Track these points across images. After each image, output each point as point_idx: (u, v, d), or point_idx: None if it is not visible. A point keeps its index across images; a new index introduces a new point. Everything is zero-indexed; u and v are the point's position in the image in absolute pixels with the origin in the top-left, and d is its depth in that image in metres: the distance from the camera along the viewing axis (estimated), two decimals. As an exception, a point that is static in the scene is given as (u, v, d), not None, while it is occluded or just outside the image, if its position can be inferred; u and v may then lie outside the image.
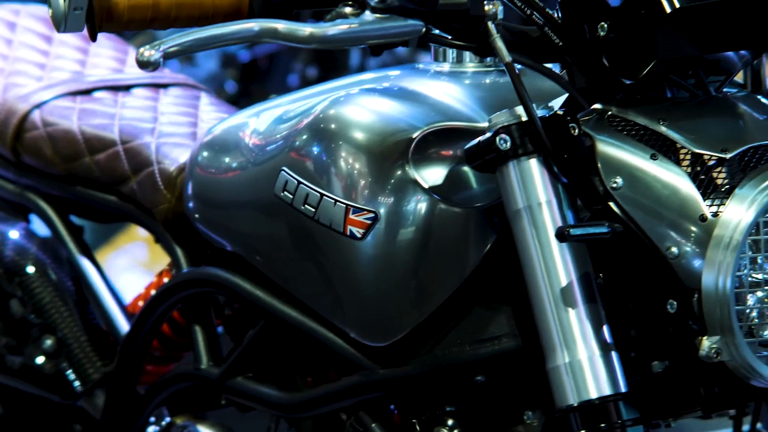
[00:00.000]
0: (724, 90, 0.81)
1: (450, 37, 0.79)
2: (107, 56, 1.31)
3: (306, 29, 0.72)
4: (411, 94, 0.87)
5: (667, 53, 0.75)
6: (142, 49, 0.68)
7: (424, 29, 0.75)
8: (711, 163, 0.74)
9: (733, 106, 0.80)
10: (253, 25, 0.70)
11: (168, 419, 1.07)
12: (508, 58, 0.75)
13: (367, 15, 0.73)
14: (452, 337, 0.85)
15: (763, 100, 0.82)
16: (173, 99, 1.22)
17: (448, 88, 0.88)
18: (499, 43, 0.75)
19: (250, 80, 4.28)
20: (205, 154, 0.99)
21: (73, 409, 1.18)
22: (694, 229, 0.73)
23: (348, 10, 0.74)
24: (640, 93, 0.78)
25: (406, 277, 0.84)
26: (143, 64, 0.67)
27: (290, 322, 0.91)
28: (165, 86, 1.25)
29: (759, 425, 0.91)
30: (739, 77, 0.84)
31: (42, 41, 1.32)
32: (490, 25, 0.75)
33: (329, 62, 3.80)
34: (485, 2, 0.76)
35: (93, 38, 0.72)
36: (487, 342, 0.84)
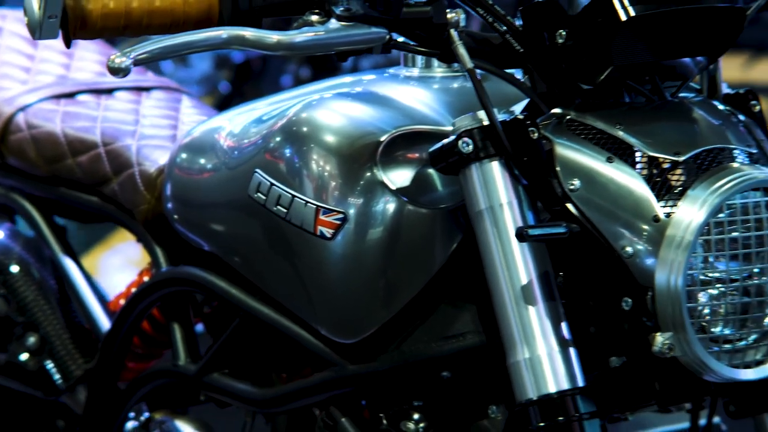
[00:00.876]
0: (681, 95, 0.83)
1: (414, 44, 0.82)
2: (92, 60, 1.33)
3: (273, 37, 0.74)
4: (381, 99, 0.90)
5: (622, 60, 0.78)
6: (113, 56, 0.70)
7: (387, 36, 0.78)
8: (665, 165, 0.77)
9: (688, 111, 0.82)
10: (222, 32, 0.73)
11: (147, 414, 1.10)
12: (469, 64, 0.77)
13: (333, 23, 0.75)
14: (419, 334, 0.88)
15: (718, 105, 0.84)
16: (155, 102, 1.25)
17: (416, 92, 0.91)
18: (461, 50, 0.77)
19: (243, 81, 4.31)
20: (183, 156, 1.02)
21: (55, 404, 1.21)
22: (647, 229, 0.76)
23: (314, 18, 0.76)
24: (598, 98, 0.81)
25: (374, 275, 0.86)
26: (114, 71, 0.70)
27: (264, 319, 0.94)
28: (147, 89, 1.28)
29: (717, 419, 0.94)
30: (696, 82, 0.87)
31: (28, 45, 1.34)
32: (453, 32, 0.78)
33: (322, 63, 3.83)
34: (448, 10, 0.79)
35: (68, 45, 0.75)
36: (453, 339, 0.87)
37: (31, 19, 0.72)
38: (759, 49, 4.74)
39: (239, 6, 0.75)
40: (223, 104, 3.85)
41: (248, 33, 0.73)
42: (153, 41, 0.72)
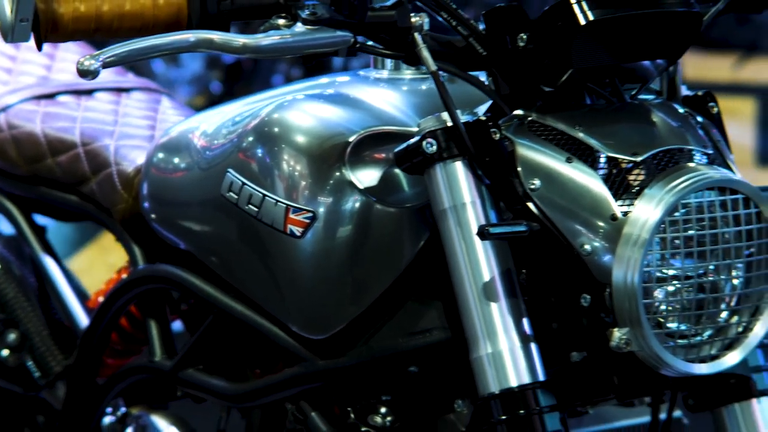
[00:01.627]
0: (640, 97, 0.86)
1: (379, 47, 0.84)
2: (73, 61, 1.34)
3: (240, 40, 0.76)
4: (350, 100, 0.92)
5: (582, 63, 0.80)
6: (82, 59, 0.72)
7: (353, 40, 0.80)
8: (623, 165, 0.79)
9: (647, 113, 0.84)
10: (190, 36, 0.75)
11: (124, 409, 1.11)
12: (433, 67, 0.79)
13: (299, 27, 0.77)
14: (387, 330, 0.90)
15: (677, 107, 0.87)
16: (135, 102, 1.27)
17: (385, 94, 0.93)
18: (425, 53, 0.79)
19: (234, 81, 4.32)
20: (159, 155, 1.03)
21: (35, 400, 1.22)
22: (605, 227, 0.78)
23: (281, 22, 0.78)
24: (559, 100, 0.83)
25: (342, 273, 0.88)
26: (83, 73, 0.72)
27: (237, 316, 0.96)
28: (127, 90, 1.29)
29: (679, 413, 0.96)
30: (656, 84, 0.89)
31: (10, 47, 1.36)
32: (417, 36, 0.80)
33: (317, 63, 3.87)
34: (412, 14, 0.81)
35: (39, 48, 0.76)
36: (420, 334, 0.89)
37: (3, 22, 0.73)
38: (749, 49, 4.78)
39: (207, 10, 0.77)
40: (214, 104, 3.88)
41: (215, 36, 0.75)
42: (122, 44, 0.74)
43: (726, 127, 0.90)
